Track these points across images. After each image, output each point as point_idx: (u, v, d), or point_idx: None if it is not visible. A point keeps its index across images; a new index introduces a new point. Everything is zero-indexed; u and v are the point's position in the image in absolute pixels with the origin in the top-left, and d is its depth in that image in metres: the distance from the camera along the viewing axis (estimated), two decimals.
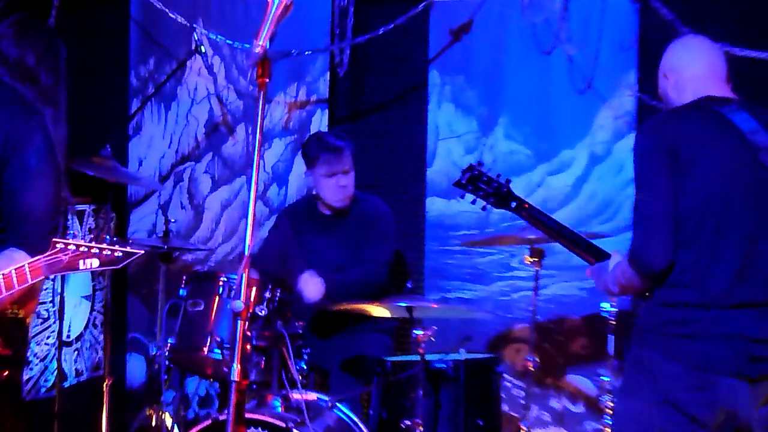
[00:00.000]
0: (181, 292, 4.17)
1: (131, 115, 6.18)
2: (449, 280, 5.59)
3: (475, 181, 3.77)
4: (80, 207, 5.67)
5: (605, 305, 4.27)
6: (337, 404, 4.18)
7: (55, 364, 5.29)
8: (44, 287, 5.20)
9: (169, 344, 4.13)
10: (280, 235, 5.01)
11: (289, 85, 5.88)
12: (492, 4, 5.51)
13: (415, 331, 4.12)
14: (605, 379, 4.44)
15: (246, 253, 2.49)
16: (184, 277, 4.24)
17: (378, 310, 4.41)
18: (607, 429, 4.41)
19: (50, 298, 5.38)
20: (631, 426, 3.17)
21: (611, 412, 4.32)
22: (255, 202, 2.52)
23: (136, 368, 6.13)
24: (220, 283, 4.07)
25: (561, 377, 5.41)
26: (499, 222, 5.26)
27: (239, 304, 2.48)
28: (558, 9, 5.34)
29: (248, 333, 2.41)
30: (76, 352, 5.73)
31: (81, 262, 3.08)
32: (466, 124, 5.59)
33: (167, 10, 5.79)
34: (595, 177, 5.34)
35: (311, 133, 5.61)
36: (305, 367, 4.17)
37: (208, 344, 3.97)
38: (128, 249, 3.10)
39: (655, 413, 3.07)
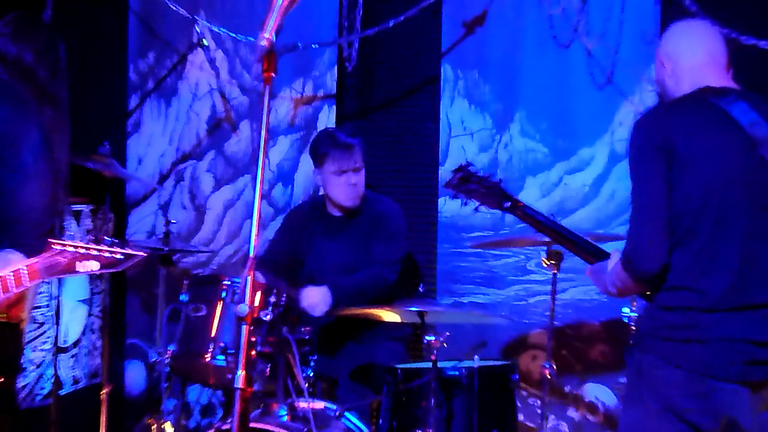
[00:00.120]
0: (183, 296, 4.18)
1: (130, 112, 6.19)
2: (462, 284, 5.59)
3: (466, 181, 3.77)
4: (77, 207, 5.69)
5: (626, 310, 4.27)
6: (345, 414, 4.18)
7: (51, 371, 5.30)
8: (40, 291, 5.22)
9: (169, 351, 4.15)
10: (288, 238, 5.02)
11: (295, 80, 5.89)
12: None
13: (426, 338, 4.12)
14: None
15: (251, 254, 2.50)
16: (186, 281, 4.25)
17: (389, 315, 4.41)
18: None
19: (46, 302, 5.40)
20: None
21: None
22: (260, 202, 2.53)
23: (135, 375, 6.14)
24: (223, 286, 4.08)
25: (580, 386, 5.41)
26: (514, 223, 5.25)
27: (244, 308, 2.49)
28: (576, 0, 5.35)
29: (253, 339, 2.41)
30: (73, 359, 5.74)
31: (80, 264, 3.09)
32: (480, 121, 5.59)
33: (168, 2, 5.80)
34: (615, 176, 5.33)
35: (318, 130, 5.63)
36: (312, 375, 4.18)
37: (210, 351, 3.98)
38: (129, 251, 3.11)
39: (655, 422, 3.07)
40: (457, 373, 4.27)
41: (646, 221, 3.09)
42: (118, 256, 3.10)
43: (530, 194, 5.42)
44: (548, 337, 4.68)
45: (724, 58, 3.28)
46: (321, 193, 5.04)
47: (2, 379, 3.29)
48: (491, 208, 3.76)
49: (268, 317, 3.85)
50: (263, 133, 2.53)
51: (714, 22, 3.67)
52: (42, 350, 5.45)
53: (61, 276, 3.17)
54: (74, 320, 5.73)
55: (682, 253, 3.07)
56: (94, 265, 3.09)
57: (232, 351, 3.90)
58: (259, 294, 2.46)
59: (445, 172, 5.62)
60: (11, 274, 3.10)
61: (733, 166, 3.08)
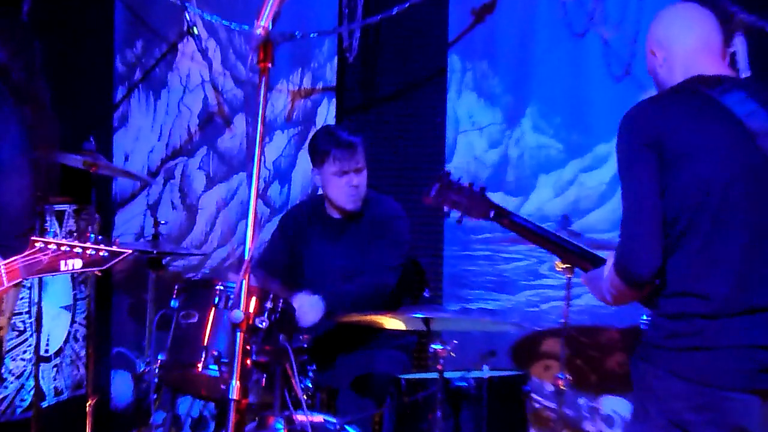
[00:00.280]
0: (173, 302, 4.18)
1: (116, 105, 6.21)
2: (471, 289, 5.60)
3: (446, 192, 3.69)
4: (60, 207, 5.70)
5: (645, 317, 4.27)
6: (346, 427, 4.18)
7: (32, 382, 5.31)
8: (20, 296, 5.23)
9: (159, 360, 4.15)
10: (284, 241, 5.02)
11: (293, 72, 5.90)
12: None
13: (432, 346, 4.13)
14: None
15: (246, 257, 2.51)
16: (176, 286, 4.25)
17: (392, 322, 4.42)
18: None
19: (27, 309, 5.41)
20: None
21: None
22: (256, 202, 2.54)
23: (122, 387, 6.16)
24: (216, 291, 4.08)
25: (596, 398, 5.41)
26: None
27: (239, 314, 2.49)
28: None
29: (248, 347, 2.42)
30: (55, 369, 5.75)
31: (62, 262, 3.10)
32: (490, 115, 5.60)
33: None
34: None
35: (317, 125, 5.63)
36: (311, 386, 4.19)
37: (202, 360, 3.98)
38: (114, 248, 3.12)
39: None
40: (465, 384, 4.27)
41: (637, 223, 3.06)
42: (103, 253, 3.10)
43: (543, 193, 5.44)
44: (562, 346, 4.69)
45: (718, 44, 3.23)
46: (320, 192, 5.04)
47: None
48: (475, 219, 3.70)
49: (264, 324, 3.84)
50: (259, 127, 2.53)
51: (740, 10, 3.66)
52: (22, 360, 5.46)
53: (42, 275, 3.18)
54: (57, 328, 5.73)
55: (679, 256, 3.05)
56: (77, 264, 3.10)
57: (226, 360, 3.90)
58: (254, 299, 2.48)
59: (452, 169, 5.62)
60: None
61: (729, 161, 3.04)
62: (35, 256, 3.08)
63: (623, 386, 5.33)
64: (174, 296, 4.19)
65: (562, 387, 4.67)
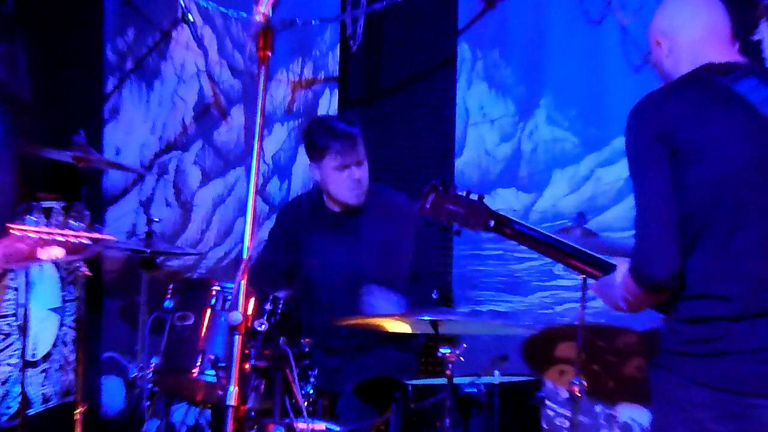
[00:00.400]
0: (167, 303, 4.19)
1: (107, 96, 6.22)
2: (481, 290, 5.61)
3: (441, 203, 3.63)
4: (47, 204, 5.70)
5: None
6: None
7: (18, 389, 5.32)
8: (6, 298, 5.24)
9: (152, 365, 4.15)
10: (282, 239, 5.02)
11: (293, 61, 5.91)
12: None
13: (441, 350, 4.13)
14: None
15: (245, 256, 2.51)
16: (170, 286, 4.26)
17: (398, 325, 4.42)
18: None
19: (12, 311, 5.41)
20: None
21: None
22: (254, 198, 2.54)
23: (113, 393, 6.17)
24: (213, 292, 4.09)
25: (613, 406, 5.41)
26: (539, 222, 5.27)
27: (237, 316, 2.50)
28: None
29: (246, 351, 2.42)
30: (43, 375, 5.76)
31: (42, 251, 3.10)
32: (502, 107, 5.61)
33: None
34: None
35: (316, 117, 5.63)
36: (312, 392, 4.19)
37: (198, 364, 3.98)
38: (97, 235, 3.12)
39: None
40: (475, 390, 4.27)
41: (651, 222, 3.06)
42: (85, 240, 3.11)
43: (557, 189, 5.44)
44: (577, 350, 4.69)
45: (727, 29, 3.23)
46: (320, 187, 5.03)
47: None
48: (474, 229, 3.66)
49: (264, 327, 3.85)
50: (258, 120, 2.55)
51: None
52: (8, 365, 5.47)
53: (22, 264, 3.18)
54: (44, 331, 5.74)
55: (697, 255, 3.04)
56: (58, 252, 3.11)
57: (223, 365, 3.91)
58: (253, 301, 2.47)
59: (461, 163, 5.64)
60: None
61: (746, 152, 3.03)
62: (14, 245, 3.09)
63: (642, 393, 5.32)
64: (168, 297, 4.19)
65: (577, 393, 4.66)
